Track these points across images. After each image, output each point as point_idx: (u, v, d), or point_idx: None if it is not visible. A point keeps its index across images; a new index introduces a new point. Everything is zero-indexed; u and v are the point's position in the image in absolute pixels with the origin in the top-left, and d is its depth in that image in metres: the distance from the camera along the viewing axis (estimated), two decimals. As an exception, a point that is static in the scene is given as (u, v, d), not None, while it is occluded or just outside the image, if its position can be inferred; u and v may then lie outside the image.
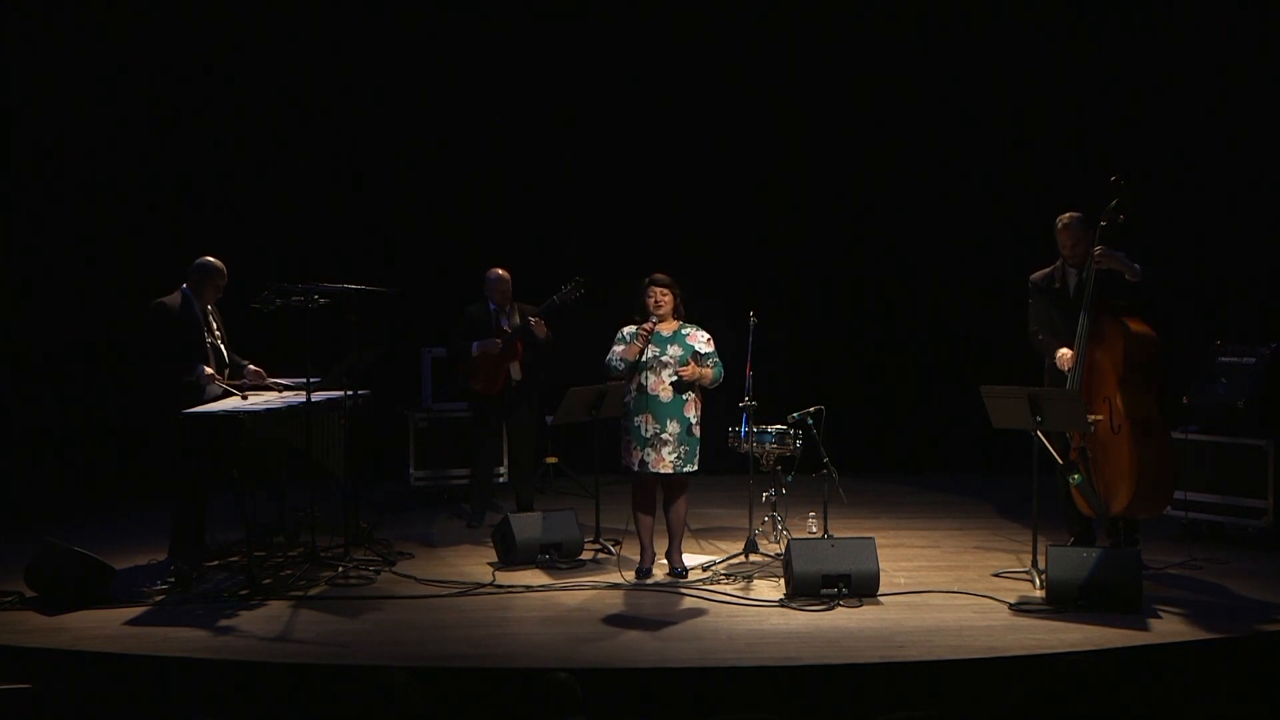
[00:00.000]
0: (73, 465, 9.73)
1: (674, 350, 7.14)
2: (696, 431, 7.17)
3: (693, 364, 7.10)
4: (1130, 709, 4.21)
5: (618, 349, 7.20)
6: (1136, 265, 7.00)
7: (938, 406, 10.40)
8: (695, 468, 7.20)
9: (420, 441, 9.49)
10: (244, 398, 7.26)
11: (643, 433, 7.10)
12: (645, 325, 7.13)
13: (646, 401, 7.11)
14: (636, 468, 7.14)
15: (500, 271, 8.66)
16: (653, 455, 7.09)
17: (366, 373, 7.66)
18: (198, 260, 7.39)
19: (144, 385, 7.29)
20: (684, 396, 7.12)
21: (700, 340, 7.21)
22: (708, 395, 7.30)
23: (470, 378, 8.60)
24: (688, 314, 7.31)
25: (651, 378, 7.13)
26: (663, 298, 7.18)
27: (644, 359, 7.12)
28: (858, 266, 10.75)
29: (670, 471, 7.12)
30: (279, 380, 7.57)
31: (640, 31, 10.42)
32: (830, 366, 10.49)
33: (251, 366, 7.56)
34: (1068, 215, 7.27)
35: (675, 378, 7.08)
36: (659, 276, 7.24)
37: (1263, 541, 7.69)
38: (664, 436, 7.08)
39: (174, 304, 7.27)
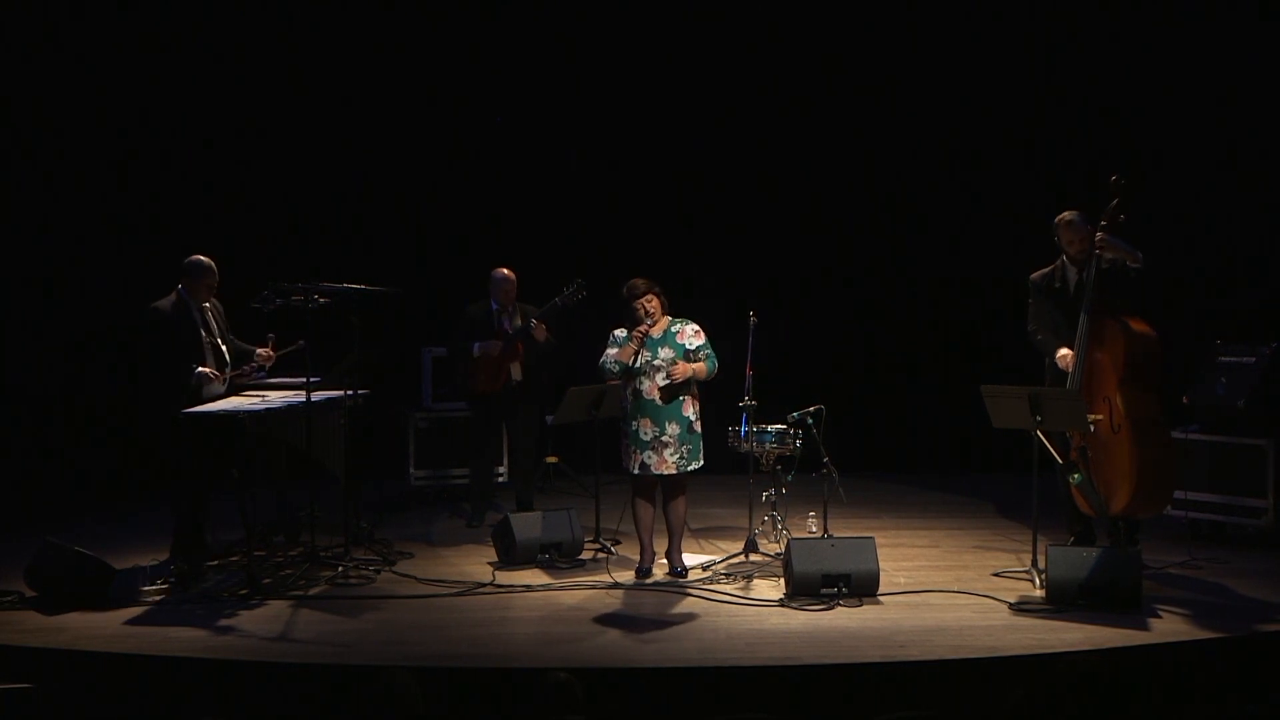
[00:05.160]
0: (73, 465, 9.72)
1: (665, 353, 7.13)
2: (697, 428, 7.16)
3: (680, 364, 7.09)
4: (1130, 709, 4.21)
5: (611, 351, 7.19)
6: (1139, 252, 7.00)
7: (937, 406, 10.40)
8: (700, 463, 7.19)
9: (420, 441, 9.49)
10: (261, 393, 7.28)
11: (642, 436, 7.10)
12: (640, 329, 7.11)
13: (643, 406, 7.11)
14: (638, 470, 7.14)
15: (505, 271, 8.66)
16: (654, 458, 7.09)
17: (366, 373, 7.66)
18: (187, 260, 7.39)
19: (143, 388, 7.30)
20: (679, 397, 7.11)
21: (689, 334, 7.20)
22: (706, 393, 7.30)
23: (471, 378, 8.60)
24: (678, 308, 7.29)
25: (646, 382, 7.12)
26: (649, 304, 7.14)
27: (637, 364, 7.11)
28: (858, 266, 10.75)
29: (674, 472, 7.12)
30: (278, 379, 7.58)
31: (641, 31, 10.41)
32: (830, 366, 10.48)
33: (260, 351, 7.54)
34: (1069, 213, 7.27)
35: (668, 382, 7.07)
36: (637, 284, 7.16)
37: (1263, 541, 7.68)
38: (664, 439, 7.08)
39: (167, 307, 7.27)
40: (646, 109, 10.53)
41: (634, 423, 7.12)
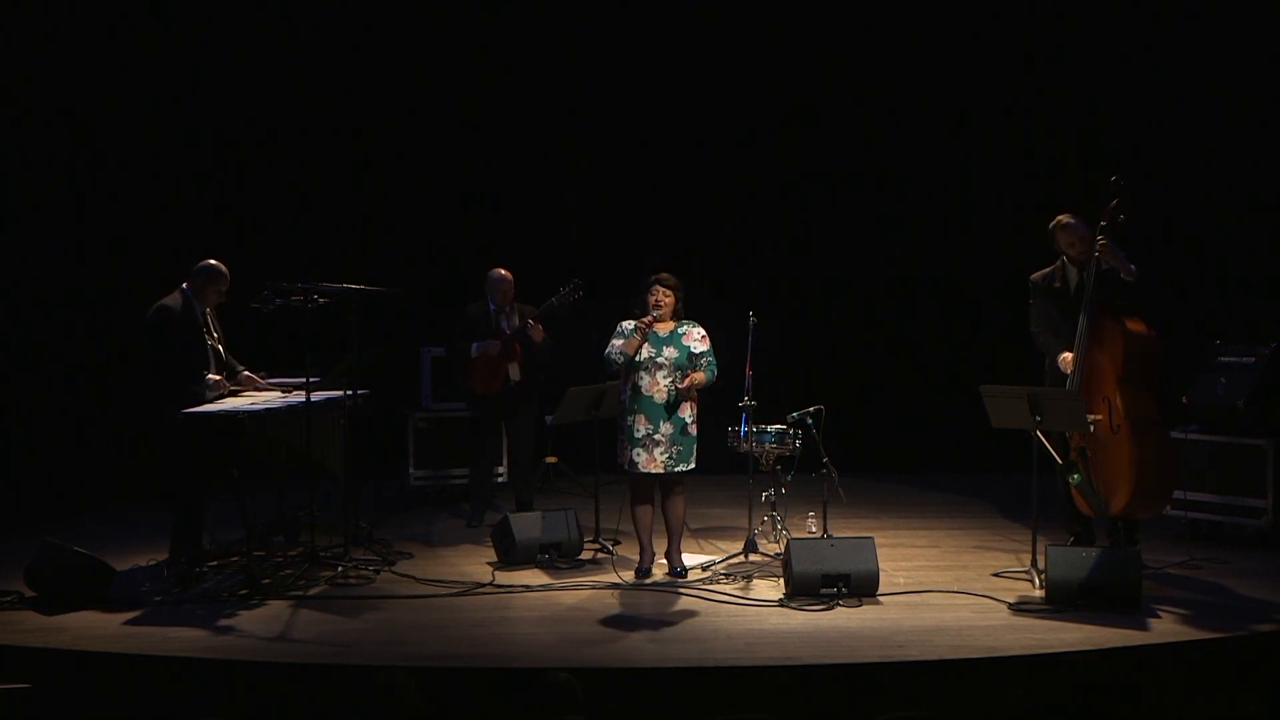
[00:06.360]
0: (73, 465, 9.71)
1: (670, 352, 7.13)
2: (692, 430, 7.16)
3: (689, 377, 7.08)
4: (1130, 709, 4.21)
5: (617, 343, 7.18)
6: (1133, 266, 7.02)
7: (938, 406, 10.40)
8: (691, 465, 7.18)
9: (420, 441, 9.49)
10: (261, 393, 7.30)
11: (635, 433, 7.10)
12: (644, 320, 7.12)
13: (640, 402, 7.11)
14: (628, 467, 7.15)
15: (503, 272, 8.66)
16: (644, 455, 7.08)
17: (366, 373, 7.66)
18: (201, 263, 7.36)
19: (146, 386, 7.28)
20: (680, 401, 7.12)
21: (695, 338, 7.19)
22: (706, 393, 7.28)
23: (469, 378, 8.61)
24: (687, 312, 7.30)
25: (646, 378, 7.12)
26: (664, 298, 7.16)
27: (640, 359, 7.11)
28: (858, 266, 10.75)
29: (661, 471, 7.11)
30: (278, 380, 7.57)
31: (641, 32, 10.41)
32: (830, 366, 10.48)
33: (245, 373, 7.53)
34: (1066, 216, 7.27)
35: (675, 394, 7.06)
36: (664, 276, 7.21)
37: (1263, 541, 7.69)
38: (656, 437, 7.07)
39: (175, 305, 7.25)
40: (646, 109, 10.52)
41: (630, 418, 7.12)
